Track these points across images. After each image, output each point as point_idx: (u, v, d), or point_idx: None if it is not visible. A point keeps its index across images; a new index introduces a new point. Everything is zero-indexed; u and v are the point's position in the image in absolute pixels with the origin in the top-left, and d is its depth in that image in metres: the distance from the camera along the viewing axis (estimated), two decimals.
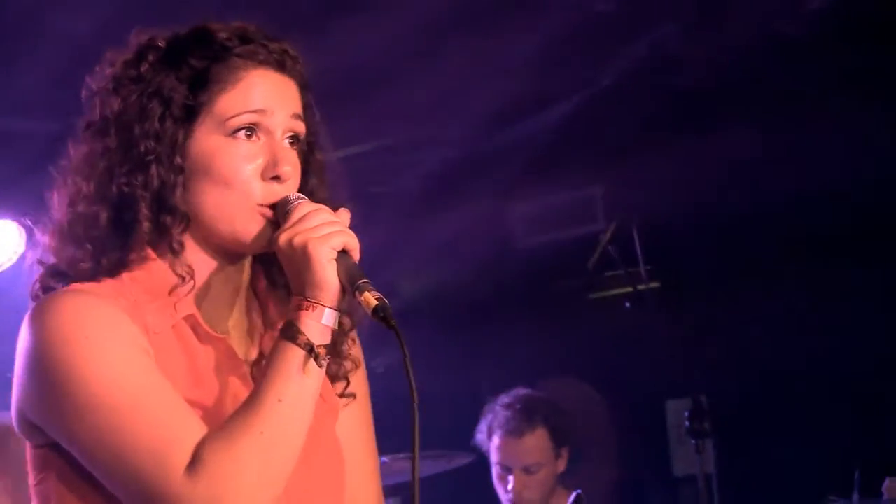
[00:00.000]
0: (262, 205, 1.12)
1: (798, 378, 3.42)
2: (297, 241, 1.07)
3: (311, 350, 1.07)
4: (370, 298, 1.04)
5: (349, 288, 1.07)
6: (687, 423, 2.82)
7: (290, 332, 1.07)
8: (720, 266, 3.31)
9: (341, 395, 1.24)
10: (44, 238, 1.19)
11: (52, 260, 1.18)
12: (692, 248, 3.35)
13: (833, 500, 2.75)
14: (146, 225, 1.11)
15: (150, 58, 1.14)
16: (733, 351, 3.29)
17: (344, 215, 1.12)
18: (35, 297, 1.18)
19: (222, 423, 1.08)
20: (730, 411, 3.15)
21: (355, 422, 1.27)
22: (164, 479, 1.05)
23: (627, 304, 3.02)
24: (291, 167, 1.13)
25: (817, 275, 3.28)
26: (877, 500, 2.73)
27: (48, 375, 1.09)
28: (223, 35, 1.15)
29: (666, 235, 3.07)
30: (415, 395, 1.03)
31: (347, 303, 1.11)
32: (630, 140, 3.14)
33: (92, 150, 1.16)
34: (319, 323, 1.08)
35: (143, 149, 1.11)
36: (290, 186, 1.12)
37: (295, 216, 1.09)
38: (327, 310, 1.08)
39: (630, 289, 2.97)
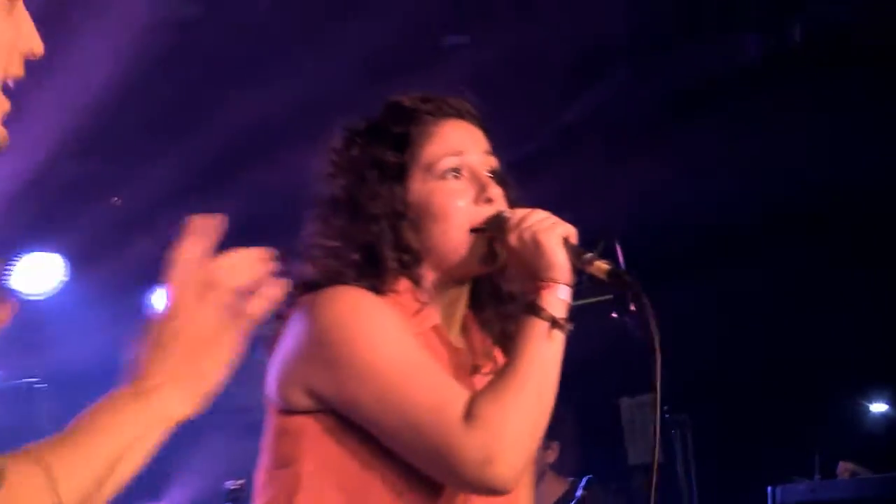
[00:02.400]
0: (473, 226, 1.32)
1: (759, 371, 3.84)
2: (527, 235, 1.26)
3: (553, 321, 1.25)
4: (602, 265, 1.25)
5: (579, 263, 1.26)
6: (667, 415, 3.17)
7: (534, 309, 1.26)
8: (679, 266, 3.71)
9: None
10: (311, 253, 1.37)
11: (310, 274, 1.37)
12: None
13: (797, 480, 3.14)
14: (391, 264, 1.32)
15: (359, 140, 1.36)
16: (692, 347, 3.63)
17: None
18: (297, 295, 1.34)
19: (479, 387, 1.29)
20: (695, 403, 3.50)
21: None
22: (445, 429, 1.21)
23: (614, 315, 3.31)
24: (498, 191, 1.34)
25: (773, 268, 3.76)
26: (834, 480, 3.17)
27: (334, 351, 1.28)
28: (410, 103, 1.37)
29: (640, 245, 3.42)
30: (657, 347, 1.22)
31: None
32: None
33: (329, 221, 1.37)
34: (558, 298, 1.26)
35: (371, 210, 1.33)
36: (498, 206, 1.33)
37: (515, 220, 1.28)
38: (562, 286, 1.26)
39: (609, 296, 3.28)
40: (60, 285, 4.25)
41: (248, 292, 0.92)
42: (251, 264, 0.94)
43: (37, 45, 0.89)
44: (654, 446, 1.31)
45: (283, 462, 1.38)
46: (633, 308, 1.31)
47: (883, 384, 3.96)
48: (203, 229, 0.90)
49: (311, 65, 3.16)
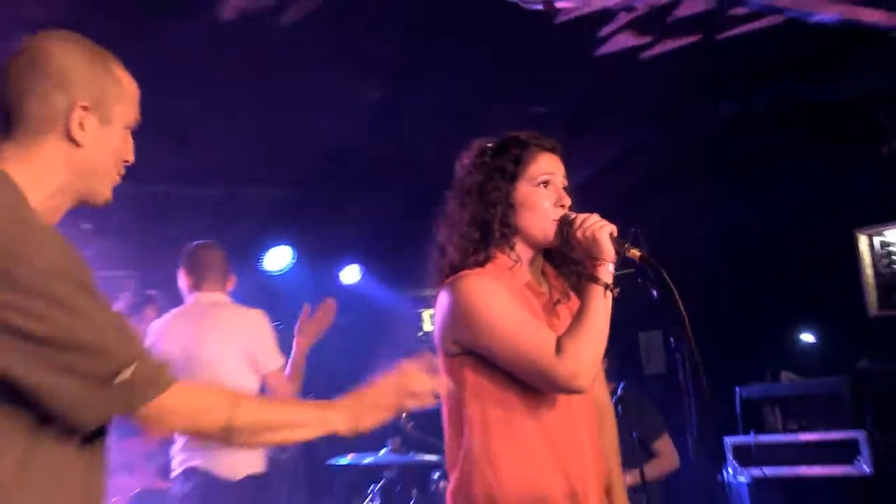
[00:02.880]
0: (554, 220, 1.91)
1: (722, 290, 4.99)
2: (588, 232, 1.83)
3: (606, 286, 1.81)
4: (636, 252, 1.82)
5: (621, 250, 1.82)
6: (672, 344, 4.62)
7: (594, 279, 1.82)
8: None
9: None
10: (446, 247, 1.97)
11: (450, 257, 1.96)
12: None
13: (753, 383, 4.54)
14: (496, 235, 1.90)
15: (489, 153, 1.97)
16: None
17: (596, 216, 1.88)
18: (442, 276, 1.95)
19: (561, 331, 1.82)
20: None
21: None
22: (543, 359, 1.77)
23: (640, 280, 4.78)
24: (568, 200, 1.94)
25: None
26: (778, 383, 4.61)
27: (469, 319, 1.85)
28: (525, 137, 1.98)
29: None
30: (681, 307, 1.81)
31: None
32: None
33: (462, 203, 1.96)
34: (608, 272, 1.83)
35: (492, 198, 1.92)
36: (567, 210, 1.93)
37: (579, 220, 1.86)
38: (609, 264, 1.83)
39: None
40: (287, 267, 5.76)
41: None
42: (426, 383, 1.58)
43: (131, 157, 1.41)
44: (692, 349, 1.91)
45: (451, 387, 1.92)
46: (652, 279, 1.87)
47: (810, 321, 5.06)
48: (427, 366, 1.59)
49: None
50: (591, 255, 1.89)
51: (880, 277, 4.61)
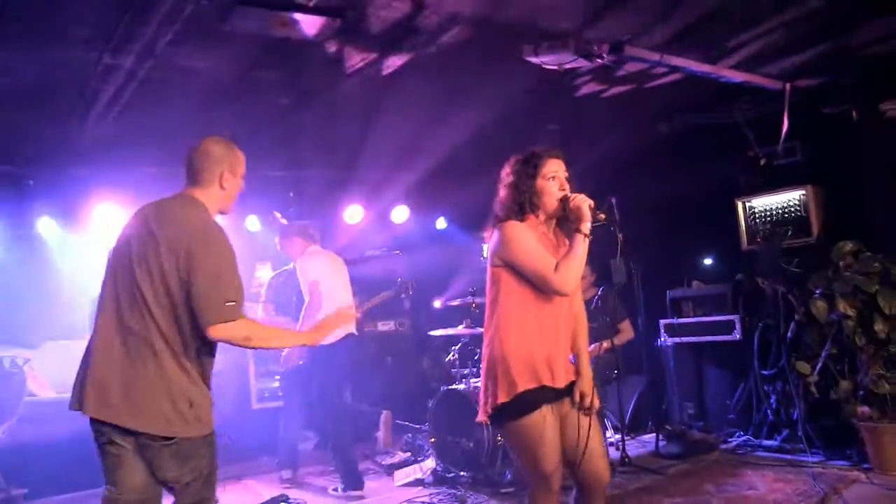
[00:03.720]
0: (558, 199, 3.03)
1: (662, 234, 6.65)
2: (575, 204, 2.99)
3: (585, 236, 2.93)
4: (601, 215, 3.00)
5: (594, 214, 2.97)
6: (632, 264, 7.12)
7: (579, 231, 2.94)
8: None
9: None
10: (497, 205, 3.13)
11: (499, 212, 3.11)
12: None
13: (676, 288, 7.12)
14: (527, 208, 3.06)
15: (520, 161, 3.12)
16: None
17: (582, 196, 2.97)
18: (496, 222, 3.07)
19: (559, 259, 2.92)
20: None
21: None
22: (548, 273, 2.92)
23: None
24: (567, 187, 3.07)
25: None
26: (691, 288, 7.15)
27: (509, 246, 2.98)
28: (539, 150, 3.11)
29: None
30: (621, 241, 3.25)
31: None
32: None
33: (509, 183, 3.11)
34: (588, 227, 2.94)
35: (524, 187, 3.07)
36: (566, 192, 3.06)
37: (571, 198, 3.01)
38: (587, 223, 2.94)
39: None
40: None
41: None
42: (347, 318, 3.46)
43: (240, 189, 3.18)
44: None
45: (492, 287, 3.02)
46: (614, 228, 3.17)
47: (711, 252, 7.11)
48: None
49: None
50: (577, 217, 2.95)
51: (748, 226, 6.42)
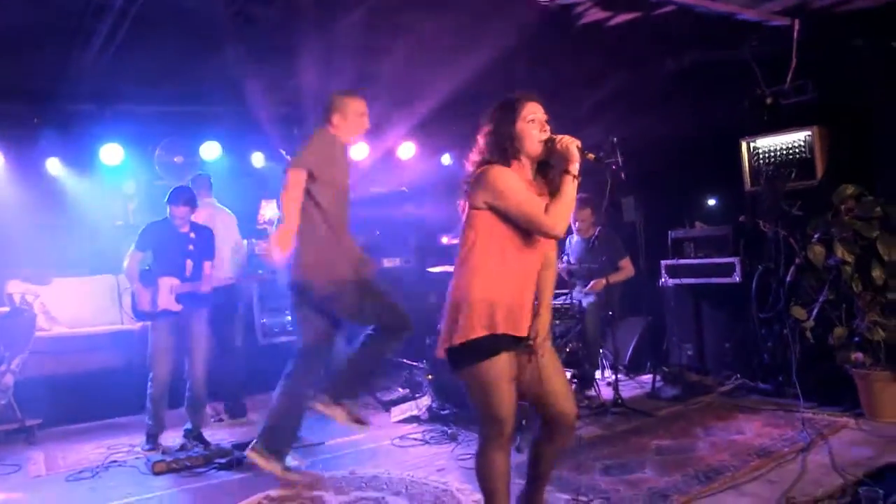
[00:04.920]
0: (540, 141, 2.99)
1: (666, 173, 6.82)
2: (562, 145, 2.96)
3: (574, 177, 2.91)
4: (591, 155, 3.01)
5: (583, 156, 2.94)
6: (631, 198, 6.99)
7: (568, 172, 2.91)
8: None
9: None
10: (478, 152, 3.07)
11: (484, 156, 3.04)
12: None
13: (678, 228, 7.02)
14: (511, 153, 3.01)
15: (500, 107, 3.08)
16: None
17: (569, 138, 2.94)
18: (479, 165, 3.02)
19: (548, 202, 2.89)
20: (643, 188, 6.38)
21: None
22: (538, 216, 2.89)
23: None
24: (548, 128, 3.02)
25: None
26: (694, 228, 7.04)
27: (496, 188, 2.91)
28: (518, 95, 3.07)
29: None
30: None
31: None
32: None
33: (489, 130, 3.05)
34: (576, 168, 2.91)
35: (505, 132, 3.01)
36: (549, 134, 3.01)
37: (557, 139, 2.95)
38: (576, 164, 2.91)
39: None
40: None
41: None
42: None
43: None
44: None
45: (470, 229, 2.98)
46: (602, 163, 3.15)
47: (714, 192, 7.04)
48: None
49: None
50: (565, 158, 2.94)
51: (751, 167, 6.30)
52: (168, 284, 5.63)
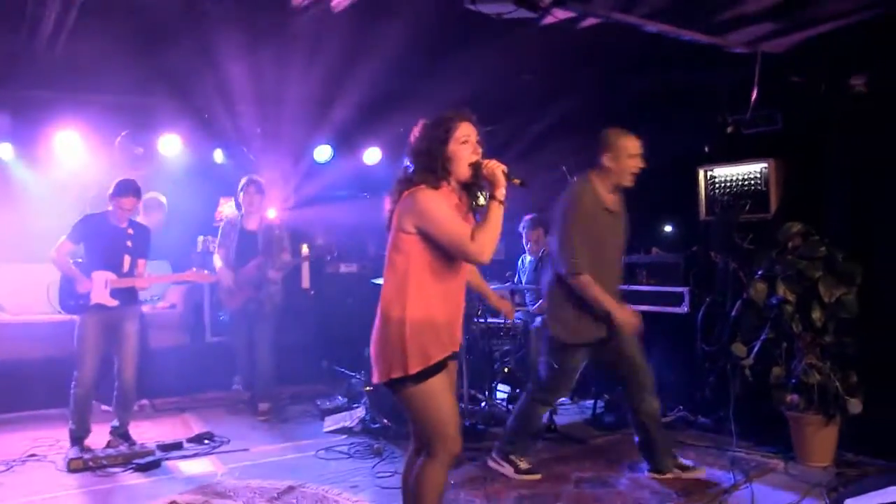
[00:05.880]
0: (470, 164, 2.94)
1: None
2: (489, 170, 2.91)
3: (500, 202, 2.87)
4: (517, 180, 2.91)
5: (508, 180, 2.89)
6: None
7: (495, 198, 2.87)
8: None
9: None
10: (410, 170, 2.99)
11: (411, 176, 2.95)
12: None
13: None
14: (440, 174, 2.94)
15: (431, 125, 3.00)
16: None
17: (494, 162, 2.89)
18: (408, 186, 2.93)
19: (473, 228, 2.85)
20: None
21: None
22: (464, 243, 2.85)
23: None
24: (480, 151, 2.97)
25: None
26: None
27: (424, 214, 2.85)
28: (451, 114, 2.99)
29: None
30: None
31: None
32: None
33: (419, 150, 2.97)
34: (503, 193, 2.87)
35: (436, 153, 2.94)
36: (479, 157, 2.96)
37: (484, 163, 2.92)
38: (503, 190, 2.86)
39: None
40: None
41: None
42: None
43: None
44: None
45: (403, 254, 2.92)
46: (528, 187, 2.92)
47: (670, 219, 6.85)
48: None
49: None
50: (493, 184, 2.91)
51: (707, 196, 6.13)
52: (103, 279, 5.52)
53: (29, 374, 6.78)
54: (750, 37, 5.48)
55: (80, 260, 5.70)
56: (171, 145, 7.59)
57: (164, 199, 7.02)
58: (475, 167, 2.95)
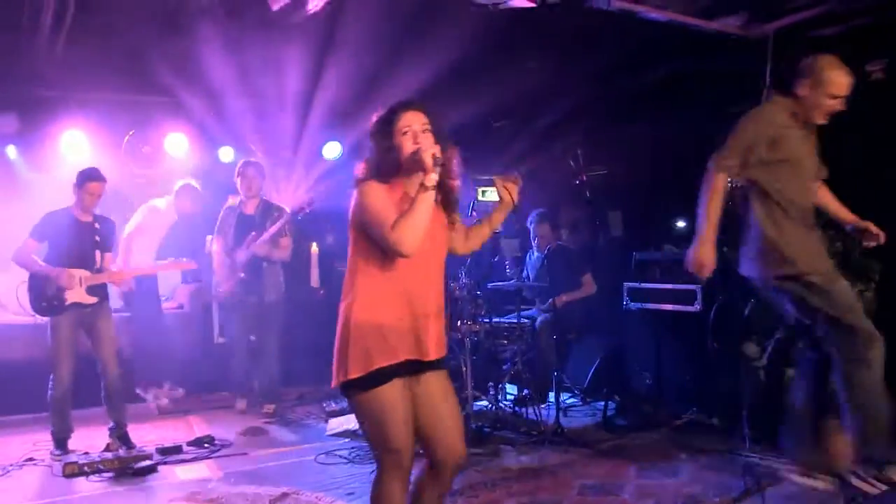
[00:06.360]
0: (411, 153, 2.77)
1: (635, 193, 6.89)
2: (419, 156, 2.74)
3: (427, 189, 2.68)
4: (443, 164, 2.73)
5: (437, 164, 2.71)
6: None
7: (422, 184, 2.70)
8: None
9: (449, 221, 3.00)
10: (360, 165, 2.87)
11: (361, 173, 2.85)
12: None
13: (646, 251, 6.79)
14: (384, 167, 2.82)
15: (378, 120, 2.87)
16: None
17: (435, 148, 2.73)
18: (358, 182, 2.81)
19: (398, 216, 2.66)
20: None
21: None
22: (384, 232, 2.69)
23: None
24: (423, 139, 2.80)
25: None
26: (662, 252, 6.73)
27: (359, 207, 2.76)
28: (396, 105, 2.85)
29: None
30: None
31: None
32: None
33: (373, 147, 2.86)
34: (432, 179, 2.71)
35: (380, 146, 2.84)
36: (420, 146, 2.77)
37: (418, 151, 2.75)
38: (432, 176, 2.71)
39: None
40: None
41: None
42: None
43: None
44: None
45: (350, 257, 2.89)
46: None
47: (683, 215, 6.71)
48: None
49: None
50: (421, 169, 2.79)
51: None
52: (77, 276, 5.40)
53: (29, 375, 6.70)
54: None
55: (41, 263, 5.57)
56: (177, 144, 7.49)
57: (197, 185, 6.93)
58: (414, 153, 2.80)
